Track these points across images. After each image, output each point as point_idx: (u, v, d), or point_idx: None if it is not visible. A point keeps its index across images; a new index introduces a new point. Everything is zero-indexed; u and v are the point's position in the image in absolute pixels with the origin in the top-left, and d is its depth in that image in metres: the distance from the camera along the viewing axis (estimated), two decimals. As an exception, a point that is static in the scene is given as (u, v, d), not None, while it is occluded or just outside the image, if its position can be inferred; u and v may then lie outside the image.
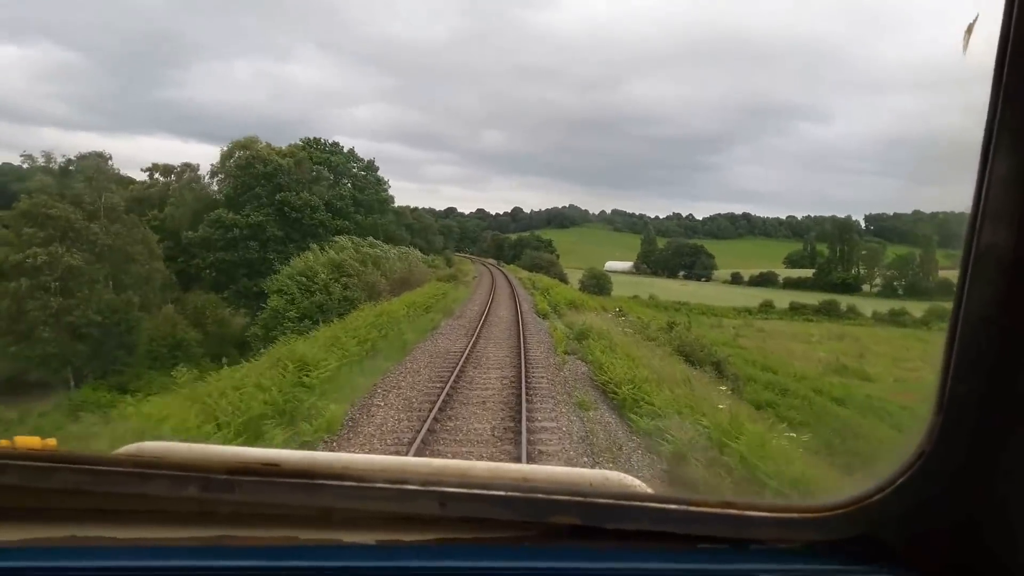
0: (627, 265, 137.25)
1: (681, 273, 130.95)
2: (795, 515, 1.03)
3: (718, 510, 1.02)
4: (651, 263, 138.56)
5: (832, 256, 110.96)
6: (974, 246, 0.88)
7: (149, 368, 34.05)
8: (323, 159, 59.51)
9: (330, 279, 34.74)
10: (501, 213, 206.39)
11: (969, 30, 0.91)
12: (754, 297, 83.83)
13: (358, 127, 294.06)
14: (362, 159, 64.74)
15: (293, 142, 59.84)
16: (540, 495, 1.03)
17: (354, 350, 14.96)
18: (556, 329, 21.57)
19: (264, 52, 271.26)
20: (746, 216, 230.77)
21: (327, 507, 1.03)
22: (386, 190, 69.34)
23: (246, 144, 54.24)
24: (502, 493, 1.02)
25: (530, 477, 1.16)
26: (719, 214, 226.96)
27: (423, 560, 1.00)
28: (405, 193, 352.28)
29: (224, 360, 17.45)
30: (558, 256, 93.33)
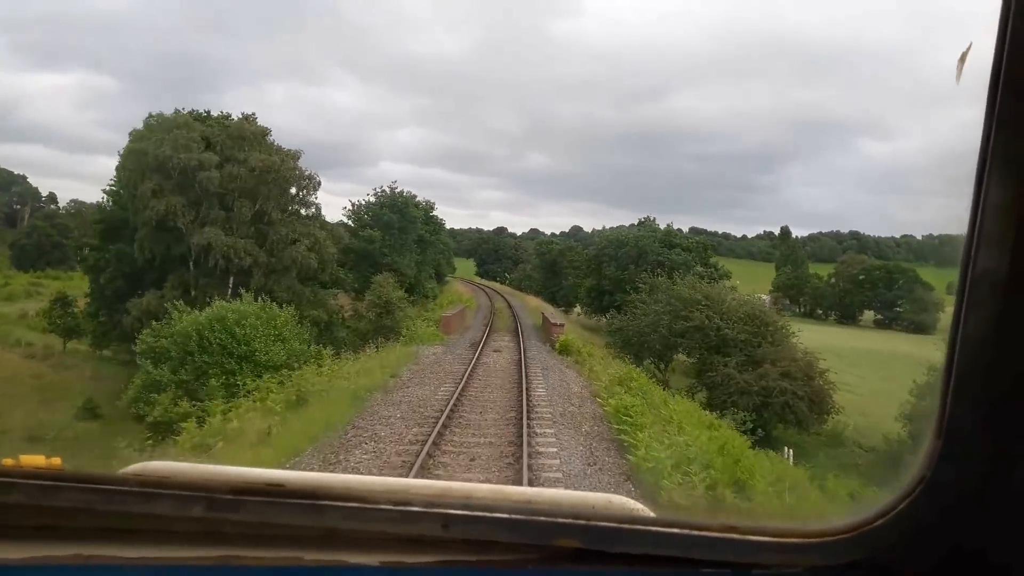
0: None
1: (871, 315, 79.07)
2: (797, 540, 1.02)
3: (721, 534, 1.01)
4: (803, 299, 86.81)
5: None
6: (970, 271, 0.90)
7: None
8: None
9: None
10: (558, 233, 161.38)
11: (962, 59, 0.93)
12: None
13: (400, 151, 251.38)
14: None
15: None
16: (543, 518, 1.02)
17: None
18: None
19: (298, 75, 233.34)
20: (855, 235, 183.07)
21: (331, 528, 1.02)
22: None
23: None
24: (505, 516, 1.02)
25: (533, 500, 1.17)
26: (822, 232, 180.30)
27: None
28: (455, 219, 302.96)
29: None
30: (734, 287, 39.17)
